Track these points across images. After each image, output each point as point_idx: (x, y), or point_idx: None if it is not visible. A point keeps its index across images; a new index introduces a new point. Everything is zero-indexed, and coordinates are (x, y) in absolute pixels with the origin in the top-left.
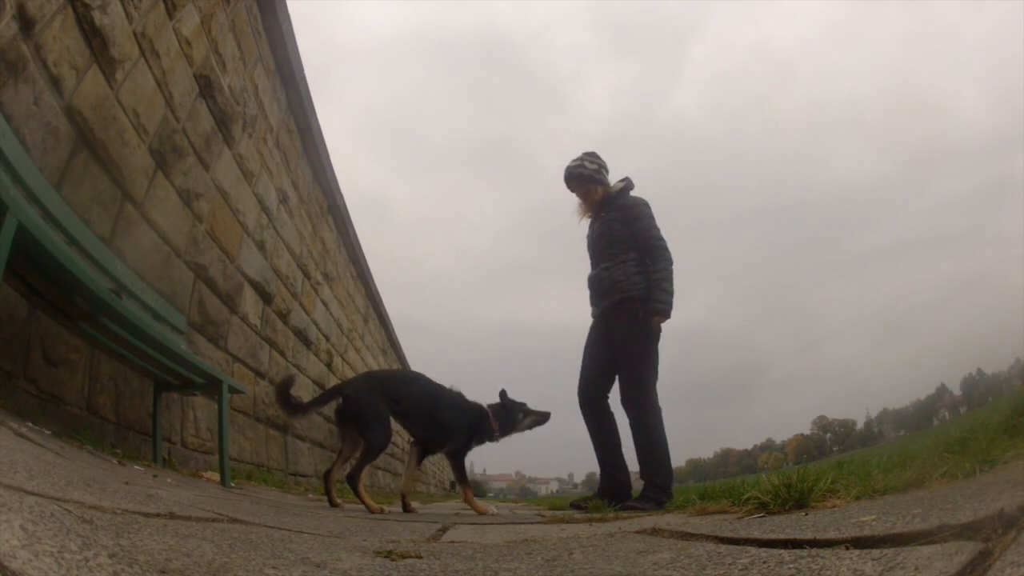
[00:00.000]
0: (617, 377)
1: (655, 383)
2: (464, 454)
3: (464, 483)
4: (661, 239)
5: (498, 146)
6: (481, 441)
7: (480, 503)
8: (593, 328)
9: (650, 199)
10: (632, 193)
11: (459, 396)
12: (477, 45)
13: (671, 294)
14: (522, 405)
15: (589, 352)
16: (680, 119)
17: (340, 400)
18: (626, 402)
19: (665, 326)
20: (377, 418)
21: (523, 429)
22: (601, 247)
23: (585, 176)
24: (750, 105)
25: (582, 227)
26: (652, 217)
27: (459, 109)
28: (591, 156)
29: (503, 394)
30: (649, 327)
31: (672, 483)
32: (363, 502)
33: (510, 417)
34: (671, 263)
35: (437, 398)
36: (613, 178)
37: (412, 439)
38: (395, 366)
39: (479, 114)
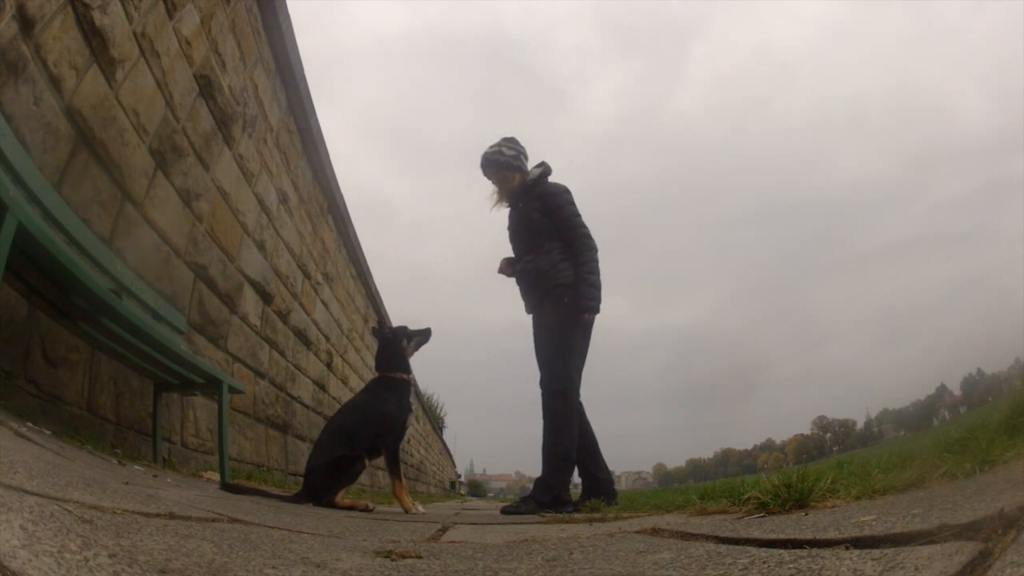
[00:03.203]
0: (537, 360)
1: (578, 376)
2: (389, 441)
3: (395, 480)
4: (583, 227)
5: None
6: (404, 401)
7: (409, 502)
8: (534, 325)
9: (653, 199)
10: (551, 179)
11: (369, 396)
12: (480, 45)
13: (598, 288)
14: (403, 330)
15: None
16: (683, 119)
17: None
18: (544, 389)
19: (666, 326)
20: (321, 476)
21: (412, 354)
22: (525, 239)
23: (502, 163)
24: (752, 105)
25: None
26: (573, 205)
27: (462, 109)
28: (509, 142)
29: (379, 330)
30: (574, 315)
31: (564, 483)
32: (347, 507)
33: (396, 348)
34: (595, 251)
35: (357, 411)
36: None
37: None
38: None
39: (482, 114)
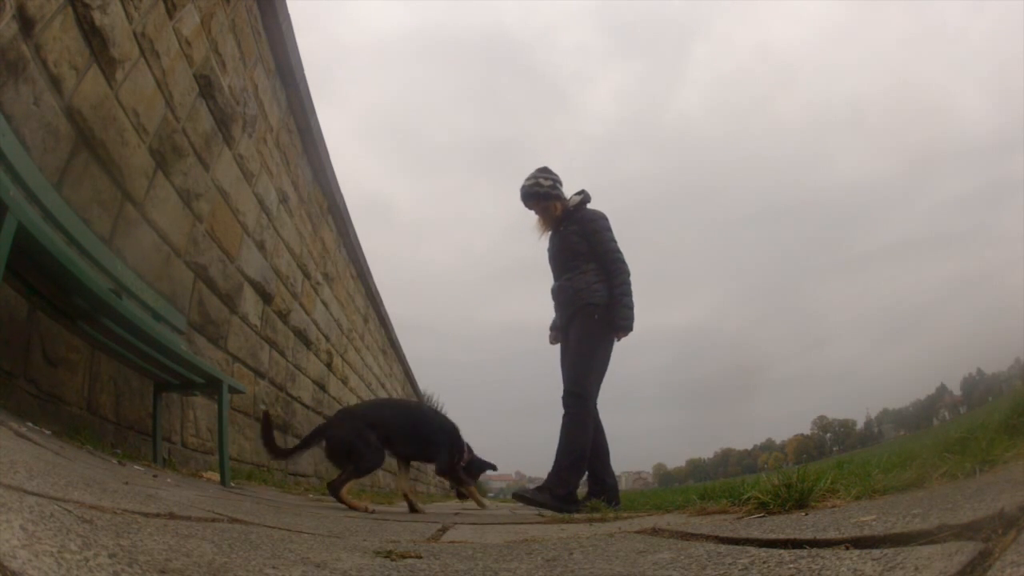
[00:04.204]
0: (561, 371)
1: (596, 386)
2: (452, 466)
3: (467, 485)
4: (618, 252)
5: (502, 146)
6: (454, 458)
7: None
8: (562, 341)
9: (653, 199)
10: (590, 206)
11: (434, 412)
12: (482, 45)
13: (631, 308)
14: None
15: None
16: (683, 119)
17: (324, 442)
18: (565, 392)
19: (668, 325)
20: (366, 444)
21: (474, 470)
22: (562, 260)
23: (542, 194)
24: (753, 106)
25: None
26: (610, 230)
27: (463, 109)
28: (544, 172)
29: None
30: (603, 331)
31: (577, 480)
32: (348, 505)
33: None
34: (628, 275)
35: (414, 417)
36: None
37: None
38: (395, 366)
39: (483, 114)
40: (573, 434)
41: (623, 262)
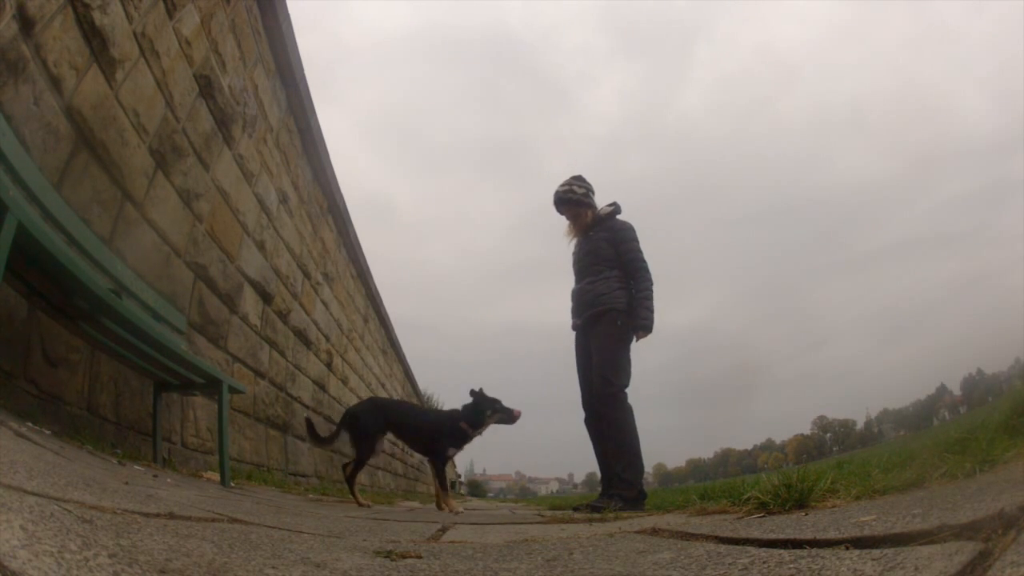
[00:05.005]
0: (580, 374)
1: (627, 386)
2: (442, 456)
3: (439, 482)
4: (644, 262)
5: (504, 146)
6: (458, 444)
7: (453, 502)
8: (577, 341)
9: (655, 199)
10: (620, 217)
11: (434, 411)
12: (485, 45)
13: (652, 311)
14: (492, 402)
15: (582, 367)
16: (686, 119)
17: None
18: (601, 394)
19: (668, 325)
20: (365, 437)
21: (490, 423)
22: (587, 263)
23: (574, 200)
24: (755, 106)
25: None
26: (637, 241)
27: (466, 109)
28: (579, 180)
29: (477, 392)
30: (627, 335)
31: (640, 479)
32: (355, 499)
33: (479, 413)
34: (652, 283)
35: (417, 415)
36: (601, 200)
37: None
38: (395, 366)
39: (486, 114)
40: (620, 437)
41: (647, 271)
